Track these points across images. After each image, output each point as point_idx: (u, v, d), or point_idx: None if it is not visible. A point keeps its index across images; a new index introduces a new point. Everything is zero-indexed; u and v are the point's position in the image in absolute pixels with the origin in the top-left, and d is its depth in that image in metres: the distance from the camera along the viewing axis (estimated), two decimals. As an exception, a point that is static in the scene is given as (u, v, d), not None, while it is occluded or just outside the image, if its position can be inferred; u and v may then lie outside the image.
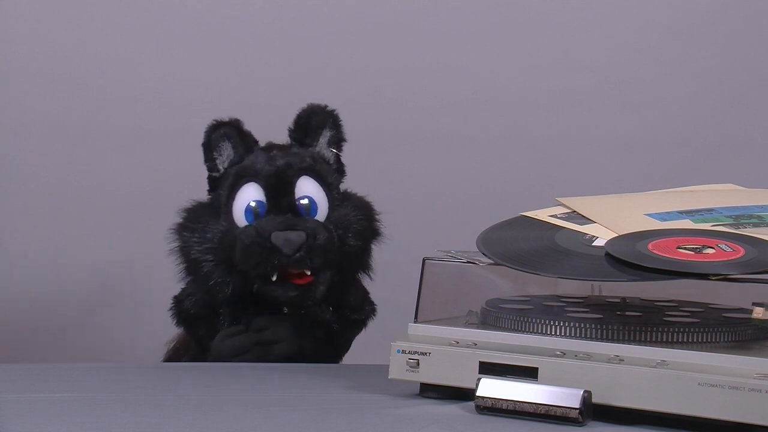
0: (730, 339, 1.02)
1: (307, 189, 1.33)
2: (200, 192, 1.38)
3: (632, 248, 1.03)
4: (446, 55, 1.99)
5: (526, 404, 0.97)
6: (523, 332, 1.04)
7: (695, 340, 1.01)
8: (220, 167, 1.36)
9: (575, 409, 0.95)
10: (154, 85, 1.93)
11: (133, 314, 1.91)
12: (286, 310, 1.36)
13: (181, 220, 1.35)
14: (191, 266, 1.33)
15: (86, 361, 1.82)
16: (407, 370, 1.05)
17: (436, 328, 1.07)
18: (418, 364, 1.05)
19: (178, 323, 1.39)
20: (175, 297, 1.39)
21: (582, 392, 0.96)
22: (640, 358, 0.97)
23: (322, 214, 1.33)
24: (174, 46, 1.93)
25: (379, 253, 1.39)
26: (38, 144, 1.90)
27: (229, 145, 1.35)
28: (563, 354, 1.00)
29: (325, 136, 1.38)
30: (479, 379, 1.00)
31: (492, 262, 1.08)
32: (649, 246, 1.04)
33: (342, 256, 1.33)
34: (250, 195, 1.33)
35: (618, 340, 1.01)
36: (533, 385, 0.98)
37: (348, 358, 1.43)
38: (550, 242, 1.10)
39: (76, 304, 1.90)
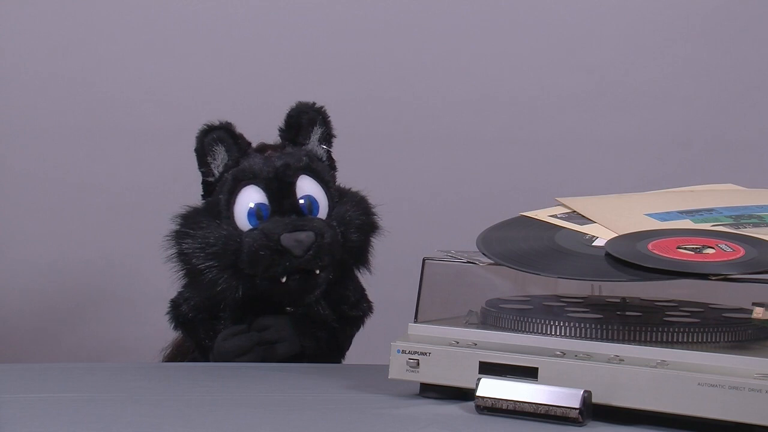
0: (730, 339, 1.02)
1: (307, 188, 1.33)
2: (200, 191, 1.38)
3: (632, 248, 1.03)
4: (446, 55, 1.99)
5: (526, 404, 0.97)
6: (523, 332, 1.04)
7: (695, 340, 1.01)
8: (215, 171, 1.36)
9: (575, 409, 0.95)
10: (154, 85, 1.93)
11: (133, 314, 1.91)
12: (290, 309, 1.36)
13: (178, 227, 1.34)
14: (193, 273, 1.32)
15: (86, 361, 1.82)
16: (407, 370, 1.05)
17: (436, 328, 1.07)
18: (418, 364, 1.05)
19: (176, 327, 1.39)
20: (172, 300, 1.39)
21: (582, 392, 0.96)
22: (640, 358, 0.97)
23: (322, 212, 1.33)
24: (173, 46, 1.93)
25: (379, 253, 1.39)
26: (38, 144, 1.90)
27: (222, 149, 1.35)
28: (563, 354, 1.00)
29: (316, 133, 1.38)
30: (479, 379, 1.00)
31: (492, 262, 1.08)
32: (649, 246, 1.04)
33: (345, 252, 1.33)
34: (251, 197, 1.32)
35: (618, 340, 1.01)
36: (533, 385, 0.98)
37: (348, 358, 1.43)
38: (550, 242, 1.10)
39: (76, 304, 1.90)
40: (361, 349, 1.43)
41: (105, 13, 1.92)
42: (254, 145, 1.38)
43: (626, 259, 1.01)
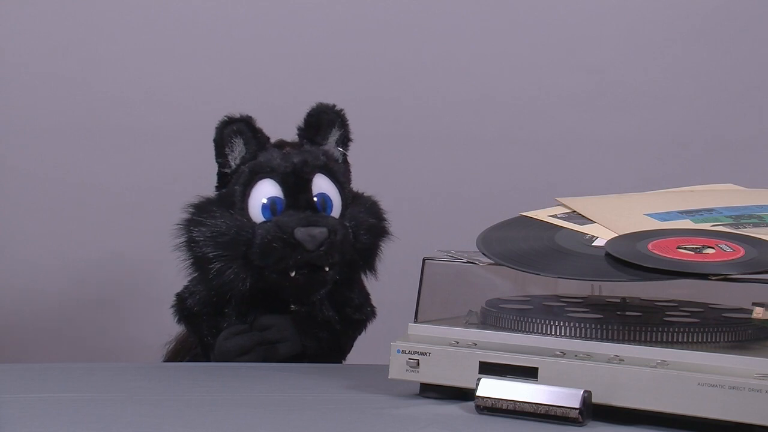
0: (730, 339, 1.02)
1: (323, 186, 1.34)
2: (200, 191, 1.38)
3: (632, 248, 1.03)
4: (446, 56, 1.99)
5: (526, 404, 0.97)
6: (523, 332, 1.04)
7: (695, 340, 1.01)
8: (232, 163, 1.36)
9: (575, 409, 0.95)
10: (154, 85, 1.93)
11: (133, 314, 1.91)
12: (293, 307, 1.36)
13: (189, 215, 1.34)
14: (201, 261, 1.32)
15: (86, 361, 1.82)
16: (407, 370, 1.05)
17: (436, 328, 1.07)
18: (418, 364, 1.05)
19: (180, 320, 1.39)
20: (178, 294, 1.39)
21: (582, 392, 0.96)
22: (640, 358, 0.97)
23: (336, 211, 1.34)
24: (173, 46, 1.93)
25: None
26: (38, 144, 1.90)
27: (240, 142, 1.36)
28: (563, 354, 1.00)
29: (334, 135, 1.39)
30: (479, 379, 1.00)
31: (492, 262, 1.08)
32: (649, 246, 1.04)
33: (354, 253, 1.33)
34: (267, 191, 1.33)
35: (618, 340, 1.01)
36: (533, 385, 0.98)
37: (348, 358, 1.43)
38: (550, 242, 1.10)
39: (76, 304, 1.90)
40: (361, 349, 1.43)
41: (105, 13, 1.92)
42: (272, 141, 1.38)
43: (626, 259, 1.01)
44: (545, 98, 2.00)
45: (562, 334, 1.03)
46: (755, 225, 1.10)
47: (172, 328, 1.48)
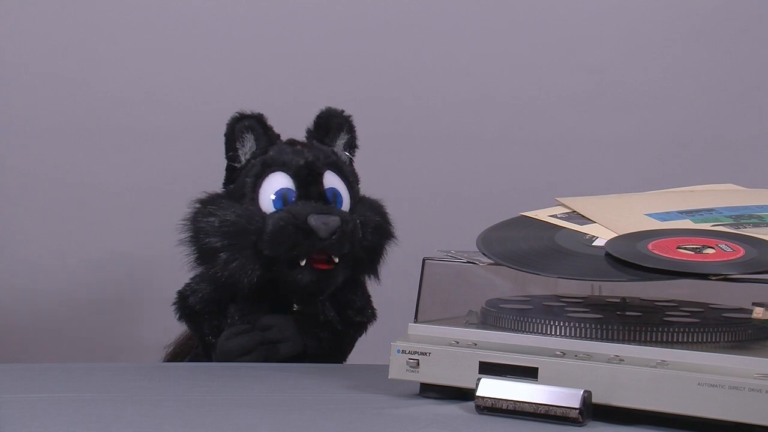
0: (730, 339, 1.02)
1: (333, 182, 1.36)
2: (200, 191, 1.38)
3: (632, 248, 1.03)
4: (446, 56, 1.99)
5: (526, 404, 0.97)
6: (523, 332, 1.04)
7: (695, 340, 1.01)
8: (242, 158, 1.37)
9: (575, 409, 0.95)
10: (154, 85, 1.93)
11: (133, 314, 1.91)
12: (296, 307, 1.36)
13: (196, 209, 1.34)
14: (208, 253, 1.32)
15: (86, 361, 1.82)
16: (407, 370, 1.05)
17: (436, 328, 1.07)
18: (418, 364, 1.05)
19: (181, 318, 1.39)
20: (180, 292, 1.39)
21: (582, 392, 0.96)
22: (640, 358, 0.97)
23: (345, 208, 1.36)
24: (173, 46, 1.93)
25: (380, 253, 1.39)
26: (38, 144, 1.90)
27: (251, 138, 1.36)
28: (563, 354, 1.00)
29: (342, 138, 1.41)
30: (479, 379, 1.00)
31: (492, 262, 1.08)
32: (649, 246, 1.04)
33: (360, 250, 1.34)
34: (279, 183, 1.33)
35: (618, 340, 1.01)
36: (533, 385, 0.98)
37: (349, 358, 1.43)
38: (550, 242, 1.10)
39: (76, 304, 1.90)
40: (361, 349, 1.44)
41: (105, 13, 1.92)
42: (283, 139, 1.39)
43: (626, 259, 1.01)
44: (545, 98, 2.00)
45: (562, 334, 1.03)
46: (755, 225, 1.10)
47: (172, 328, 1.48)
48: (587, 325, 1.02)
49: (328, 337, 1.37)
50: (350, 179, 1.38)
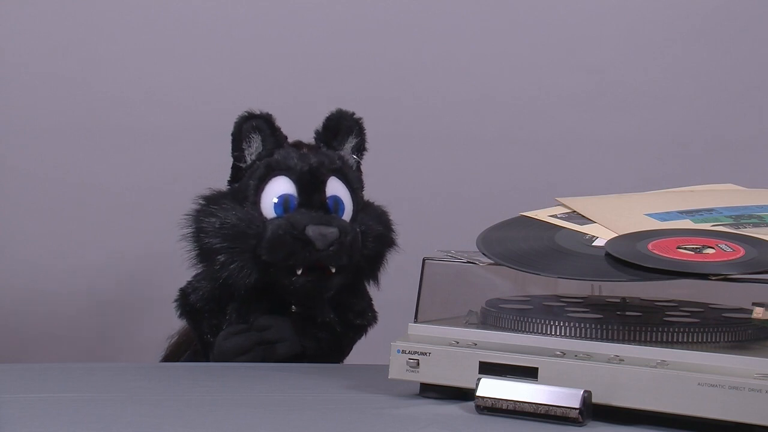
0: (730, 339, 1.02)
1: (337, 189, 1.35)
2: (200, 191, 1.38)
3: (632, 248, 1.03)
4: (446, 55, 1.99)
5: (526, 404, 0.97)
6: (523, 332, 1.04)
7: (695, 340, 1.01)
8: (248, 158, 1.36)
9: (575, 409, 0.95)
10: (154, 85, 1.93)
11: (133, 314, 1.91)
12: (294, 309, 1.36)
13: (199, 207, 1.34)
14: (207, 252, 1.32)
15: (86, 361, 1.82)
16: (407, 370, 1.05)
17: (436, 328, 1.07)
18: (418, 364, 1.05)
19: (182, 315, 1.40)
20: (182, 289, 1.39)
21: (582, 392, 0.96)
22: (640, 358, 0.97)
23: (347, 215, 1.35)
24: (173, 46, 1.93)
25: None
26: (38, 144, 1.90)
27: (258, 138, 1.36)
28: (563, 354, 1.00)
29: (351, 142, 1.40)
30: (479, 379, 1.00)
31: (492, 262, 1.08)
32: (649, 246, 1.04)
33: (360, 259, 1.34)
34: (281, 188, 1.33)
35: (618, 340, 1.01)
36: (533, 385, 0.98)
37: (348, 359, 1.43)
38: (550, 242, 1.10)
39: (76, 304, 1.90)
40: (361, 349, 1.43)
41: (105, 13, 1.92)
42: (290, 141, 1.39)
43: (626, 259, 1.01)
44: (545, 98, 2.00)
45: (562, 334, 1.03)
46: (755, 225, 1.10)
47: (172, 328, 1.48)
48: (587, 325, 1.02)
49: (327, 338, 1.37)
50: (354, 186, 1.37)
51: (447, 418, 0.99)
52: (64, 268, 1.90)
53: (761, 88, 2.02)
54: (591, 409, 0.96)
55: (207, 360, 1.38)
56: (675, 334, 1.00)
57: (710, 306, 1.13)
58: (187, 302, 1.38)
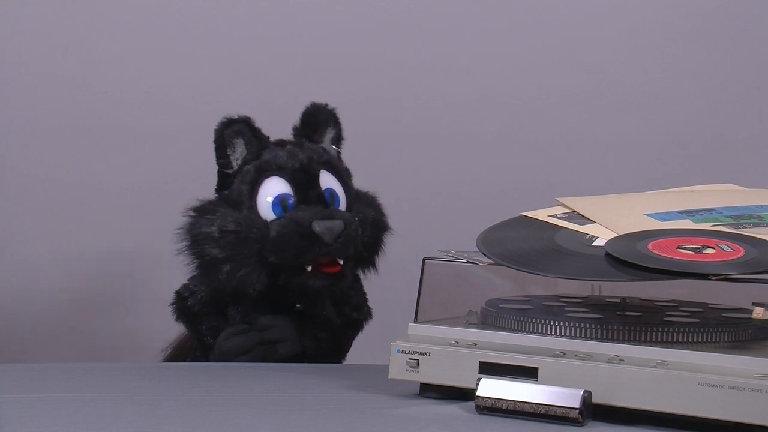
0: (730, 339, 1.02)
1: (329, 182, 1.35)
2: (200, 191, 1.38)
3: (632, 248, 1.03)
4: (446, 55, 1.99)
5: (526, 404, 0.97)
6: (523, 332, 1.04)
7: (695, 340, 1.01)
8: (234, 164, 1.36)
9: (575, 409, 0.95)
10: (154, 85, 1.93)
11: (133, 314, 1.91)
12: (298, 306, 1.36)
13: (192, 219, 1.33)
14: (210, 264, 1.31)
15: (86, 361, 1.82)
16: (407, 370, 1.05)
17: (436, 328, 1.07)
18: (418, 364, 1.05)
19: (179, 319, 1.39)
20: (177, 292, 1.39)
21: (582, 392, 0.96)
22: (640, 358, 0.97)
23: (342, 207, 1.36)
24: (173, 46, 1.93)
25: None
26: (38, 144, 1.90)
27: (241, 142, 1.36)
28: (563, 354, 1.00)
29: (329, 133, 1.40)
30: (479, 379, 1.00)
31: (492, 262, 1.08)
32: (649, 246, 1.04)
33: (361, 248, 1.34)
34: (276, 188, 1.33)
35: (618, 340, 1.01)
36: (533, 385, 0.98)
37: (348, 358, 1.43)
38: (550, 242, 1.10)
39: (76, 304, 1.90)
40: (361, 349, 1.44)
41: (105, 13, 1.92)
42: (271, 140, 1.39)
43: (626, 259, 1.01)
44: (545, 98, 2.00)
45: (562, 334, 1.03)
46: (755, 225, 1.10)
47: (171, 329, 1.48)
48: (587, 325, 1.02)
49: (327, 338, 1.37)
50: (344, 176, 1.37)
51: (447, 418, 0.99)
52: (65, 268, 1.90)
53: (761, 88, 2.02)
54: (591, 409, 0.96)
55: (207, 361, 1.38)
56: (675, 334, 1.00)
57: (710, 306, 1.13)
58: (184, 306, 1.38)
